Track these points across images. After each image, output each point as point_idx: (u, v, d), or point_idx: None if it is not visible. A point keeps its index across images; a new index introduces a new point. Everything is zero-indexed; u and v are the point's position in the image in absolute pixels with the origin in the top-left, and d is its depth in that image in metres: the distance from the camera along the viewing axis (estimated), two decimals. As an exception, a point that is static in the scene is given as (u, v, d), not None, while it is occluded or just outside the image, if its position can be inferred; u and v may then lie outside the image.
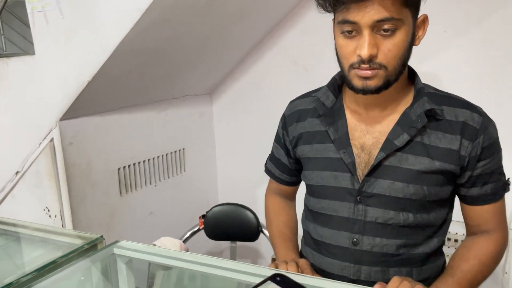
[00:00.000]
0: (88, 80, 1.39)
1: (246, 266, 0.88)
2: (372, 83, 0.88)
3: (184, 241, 1.77)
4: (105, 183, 1.65)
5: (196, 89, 2.02)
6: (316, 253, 1.06)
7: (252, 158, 1.95)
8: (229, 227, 1.73)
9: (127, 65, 1.46)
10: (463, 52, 1.62)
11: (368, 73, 0.87)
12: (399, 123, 0.95)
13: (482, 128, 0.93)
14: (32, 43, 1.44)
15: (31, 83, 1.49)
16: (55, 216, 1.57)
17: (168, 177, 1.93)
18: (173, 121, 1.93)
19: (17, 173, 1.62)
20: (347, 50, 0.88)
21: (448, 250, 1.72)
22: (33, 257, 1.10)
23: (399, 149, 0.93)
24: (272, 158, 1.20)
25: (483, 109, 0.97)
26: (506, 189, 0.99)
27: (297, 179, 1.17)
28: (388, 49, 0.86)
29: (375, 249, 0.97)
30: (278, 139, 1.16)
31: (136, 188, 1.78)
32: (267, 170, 1.22)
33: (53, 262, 0.94)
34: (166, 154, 1.91)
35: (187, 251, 1.57)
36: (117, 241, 1.04)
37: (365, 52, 0.84)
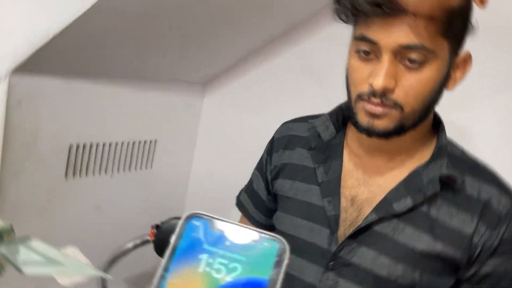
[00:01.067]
0: (56, 32, 1.09)
1: None
2: (380, 124, 0.71)
3: (128, 250, 1.47)
4: (50, 159, 1.35)
5: (187, 75, 1.73)
6: None
7: (236, 169, 1.66)
8: (185, 247, 1.43)
9: (105, 25, 1.16)
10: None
11: (378, 109, 0.70)
12: (405, 182, 0.77)
13: (507, 216, 0.74)
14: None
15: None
16: (-23, 186, 1.25)
17: (129, 170, 1.63)
18: (150, 106, 1.63)
19: None
20: (359, 75, 0.72)
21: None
22: None
23: (397, 215, 0.76)
24: (248, 189, 0.99)
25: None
26: None
27: (273, 224, 0.95)
28: (410, 85, 0.69)
29: None
30: (260, 166, 0.96)
31: (86, 174, 1.47)
32: (239, 204, 1.01)
33: None
34: (134, 143, 1.61)
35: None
36: (27, 238, 0.74)
37: (379, 82, 0.68)
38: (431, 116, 0.78)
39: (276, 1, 1.41)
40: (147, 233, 1.51)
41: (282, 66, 1.72)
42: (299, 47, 1.67)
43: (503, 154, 1.35)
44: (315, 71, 1.65)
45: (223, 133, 1.86)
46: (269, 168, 0.92)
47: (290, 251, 0.34)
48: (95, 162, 1.48)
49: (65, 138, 1.37)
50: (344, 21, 0.72)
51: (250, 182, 1.00)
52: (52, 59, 1.21)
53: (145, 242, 1.49)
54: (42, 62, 1.19)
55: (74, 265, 0.66)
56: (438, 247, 0.74)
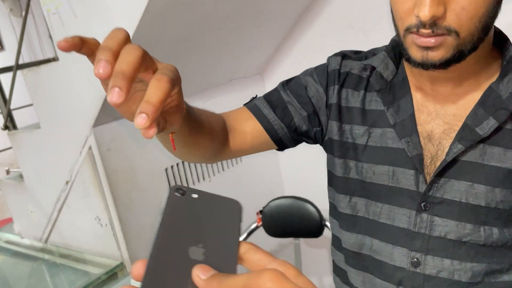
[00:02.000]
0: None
1: None
2: (435, 55, 0.63)
3: (244, 239, 1.64)
4: (153, 186, 1.56)
5: (243, 71, 1.84)
6: (356, 271, 0.82)
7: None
8: (290, 223, 1.55)
9: (158, 57, 1.31)
10: None
11: (431, 41, 0.62)
12: (482, 103, 0.69)
13: None
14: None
15: (61, 90, 1.42)
16: (106, 225, 1.51)
17: (223, 170, 1.79)
18: (222, 109, 1.76)
19: (67, 182, 1.58)
20: (403, 7, 0.64)
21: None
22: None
23: (482, 140, 0.69)
24: (269, 96, 0.86)
25: None
26: None
27: (284, 137, 0.84)
28: (462, 6, 0.60)
29: (442, 274, 0.73)
30: (299, 85, 0.84)
31: (188, 186, 1.66)
32: (251, 104, 0.87)
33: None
34: (218, 146, 1.76)
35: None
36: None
37: (425, 13, 0.59)
38: (492, 32, 0.70)
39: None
40: (254, 220, 1.66)
41: (328, 30, 1.72)
42: (335, 5, 1.67)
43: None
44: (356, 23, 1.64)
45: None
46: (321, 101, 0.82)
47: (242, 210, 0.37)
48: (192, 174, 1.67)
49: (159, 165, 1.57)
50: None
51: (276, 91, 0.86)
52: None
53: (254, 229, 1.64)
54: (113, 110, 1.38)
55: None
56: None
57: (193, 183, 1.68)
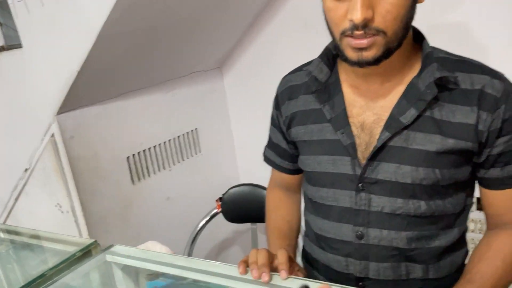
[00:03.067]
0: (77, 70, 1.30)
1: (235, 270, 0.80)
2: (369, 54, 0.74)
3: (203, 226, 1.71)
4: (115, 174, 1.59)
5: (203, 64, 1.90)
6: (317, 247, 0.96)
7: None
8: (248, 209, 1.64)
9: (117, 48, 1.35)
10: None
11: (363, 42, 0.72)
12: (405, 95, 0.80)
13: (503, 96, 0.77)
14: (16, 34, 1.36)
15: (24, 77, 1.42)
16: (67, 212, 1.53)
17: (183, 160, 1.85)
18: (182, 101, 1.83)
19: (26, 170, 1.58)
20: (337, 14, 0.74)
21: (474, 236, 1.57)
22: (23, 268, 1.05)
23: (406, 127, 0.80)
24: (270, 144, 1.08)
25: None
26: None
27: (299, 167, 1.03)
28: (387, 10, 0.71)
29: (383, 242, 0.84)
30: (273, 121, 1.03)
31: (149, 175, 1.71)
32: (266, 159, 1.10)
33: (42, 275, 0.89)
34: (178, 136, 1.82)
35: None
36: (110, 246, 0.97)
37: (357, 16, 0.69)
38: (411, 31, 0.80)
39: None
40: (214, 207, 1.74)
41: (284, 28, 1.82)
42: (297, 3, 1.76)
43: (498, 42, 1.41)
44: (310, 21, 1.75)
45: (250, 104, 2.02)
46: (282, 120, 0.98)
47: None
48: (152, 163, 1.72)
49: (121, 153, 1.60)
50: None
51: (270, 138, 1.07)
52: (84, 92, 1.42)
53: (214, 215, 1.72)
54: (77, 98, 1.41)
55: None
56: (449, 143, 0.78)
57: (154, 172, 1.73)
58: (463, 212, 0.86)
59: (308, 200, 0.97)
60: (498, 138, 0.79)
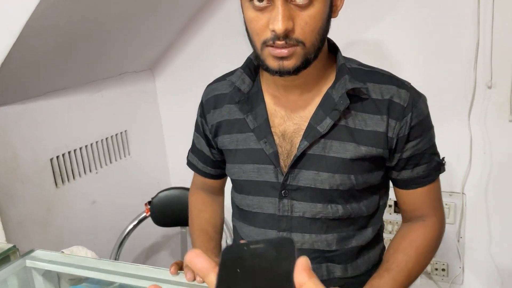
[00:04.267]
0: (2, 59, 1.23)
1: (166, 273, 0.80)
2: (289, 64, 0.76)
3: (131, 230, 1.67)
4: (37, 176, 1.52)
5: (134, 66, 1.87)
6: None
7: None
8: (177, 212, 1.63)
9: (42, 45, 1.30)
10: (411, 12, 1.53)
11: (284, 52, 0.75)
12: (321, 106, 0.84)
13: (409, 105, 0.83)
14: None
15: None
16: (-17, 216, 1.43)
17: (111, 162, 1.80)
18: (111, 102, 1.78)
19: None
20: (258, 24, 0.75)
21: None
22: None
23: (323, 136, 0.84)
24: (193, 149, 1.09)
25: (416, 83, 0.88)
26: (440, 169, 0.91)
27: (222, 172, 1.06)
28: (305, 22, 0.74)
29: (305, 246, 0.89)
30: (197, 128, 1.05)
31: (74, 178, 1.65)
32: (189, 163, 1.11)
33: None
34: (106, 138, 1.77)
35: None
36: (31, 251, 0.93)
37: (279, 26, 0.72)
38: (326, 44, 0.84)
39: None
40: (143, 211, 1.71)
41: (217, 33, 1.84)
42: (225, 10, 1.79)
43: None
44: (243, 29, 1.78)
45: (182, 106, 2.01)
46: (207, 128, 0.99)
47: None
48: (78, 165, 1.66)
49: (44, 154, 1.53)
50: None
51: (193, 143, 1.08)
52: (5, 90, 1.35)
53: (142, 220, 1.69)
54: (-1, 94, 1.34)
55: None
56: (362, 150, 0.83)
57: (79, 175, 1.67)
58: (377, 212, 0.93)
59: (236, 207, 1.00)
60: (407, 144, 0.85)
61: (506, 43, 1.42)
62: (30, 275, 0.91)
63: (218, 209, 1.12)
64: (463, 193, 1.61)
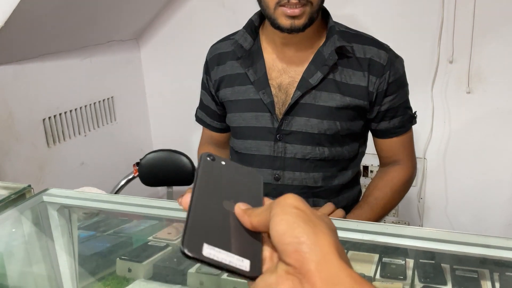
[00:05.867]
0: (1, 26, 1.30)
1: (174, 204, 0.90)
2: (300, 22, 0.88)
3: (119, 189, 1.77)
4: (31, 135, 1.59)
5: (121, 34, 1.95)
6: None
7: (184, 103, 1.94)
8: (164, 173, 1.74)
9: (41, 8, 1.37)
10: (384, -8, 1.67)
11: (296, 11, 0.87)
12: (313, 61, 0.97)
13: (388, 65, 0.97)
14: None
15: None
16: (-22, 171, 1.50)
17: (98, 127, 1.88)
18: (99, 69, 1.86)
19: None
20: None
21: (364, 181, 1.85)
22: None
23: (313, 87, 0.97)
24: (201, 106, 1.19)
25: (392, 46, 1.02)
26: (412, 122, 1.06)
27: (227, 126, 1.17)
28: None
29: (295, 182, 1.03)
30: (203, 85, 1.15)
31: (64, 139, 1.73)
32: (198, 119, 1.21)
33: (-22, 214, 0.92)
34: (94, 103, 1.85)
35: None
36: (46, 189, 1.02)
37: None
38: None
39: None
40: (131, 171, 1.80)
41: (203, 5, 1.93)
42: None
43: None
44: (228, 2, 1.89)
45: (165, 76, 2.10)
46: (211, 84, 1.09)
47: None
48: (68, 127, 1.73)
49: (37, 114, 1.60)
50: None
51: (201, 100, 1.18)
52: (4, 50, 1.41)
53: (131, 179, 1.79)
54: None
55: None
56: (347, 100, 0.96)
57: (69, 137, 1.74)
58: (356, 157, 1.08)
59: (235, 153, 1.11)
60: (385, 98, 0.98)
61: (467, 22, 1.59)
62: (45, 211, 1.01)
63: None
64: (424, 158, 1.79)
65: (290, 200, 0.34)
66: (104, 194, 0.97)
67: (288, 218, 0.33)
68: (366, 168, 1.87)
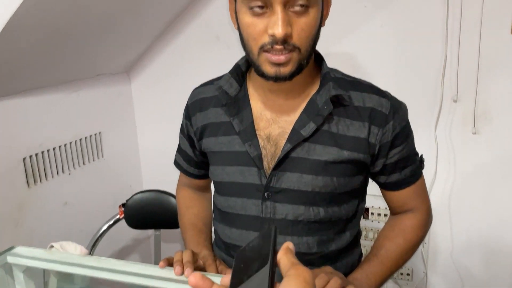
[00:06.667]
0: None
1: (153, 269, 0.81)
2: (286, 70, 0.79)
3: (103, 233, 1.66)
4: (9, 175, 1.49)
5: (111, 68, 1.87)
6: (226, 256, 1.00)
7: (176, 138, 1.85)
8: (152, 215, 1.64)
9: (21, 44, 1.29)
10: (384, 27, 1.60)
11: (282, 58, 0.77)
12: (305, 111, 0.88)
13: (391, 113, 0.88)
14: None
15: None
16: (-50, 215, 1.39)
17: (84, 164, 1.78)
18: (86, 103, 1.77)
19: None
20: (256, 30, 0.78)
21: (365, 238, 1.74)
22: None
23: (306, 139, 0.87)
24: (179, 149, 1.11)
25: (396, 92, 0.94)
26: (422, 167, 0.97)
27: (205, 172, 1.09)
28: (302, 28, 0.77)
29: None
30: (182, 130, 1.07)
31: (46, 178, 1.62)
32: (176, 163, 1.14)
33: None
34: (80, 139, 1.76)
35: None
36: (11, 248, 0.92)
37: (279, 31, 0.74)
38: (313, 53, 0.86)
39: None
40: (116, 213, 1.70)
41: (196, 39, 1.87)
42: (205, 16, 1.82)
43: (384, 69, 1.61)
44: (222, 36, 1.82)
45: (156, 110, 2.02)
46: (192, 131, 1.00)
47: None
48: (51, 165, 1.63)
49: (17, 153, 1.50)
50: None
51: (179, 144, 1.10)
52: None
53: (116, 222, 1.68)
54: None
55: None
56: (344, 154, 0.86)
57: (52, 175, 1.64)
58: (355, 217, 0.97)
59: (217, 210, 1.01)
60: (392, 149, 0.89)
61: (471, 60, 1.52)
62: (10, 273, 0.90)
63: (206, 204, 1.14)
64: (428, 201, 1.69)
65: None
66: (75, 255, 0.87)
67: None
68: (366, 209, 1.77)
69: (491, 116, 1.54)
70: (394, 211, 1.01)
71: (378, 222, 1.77)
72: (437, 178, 1.66)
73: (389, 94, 0.92)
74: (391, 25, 1.59)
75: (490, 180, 1.59)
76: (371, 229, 1.79)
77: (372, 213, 1.77)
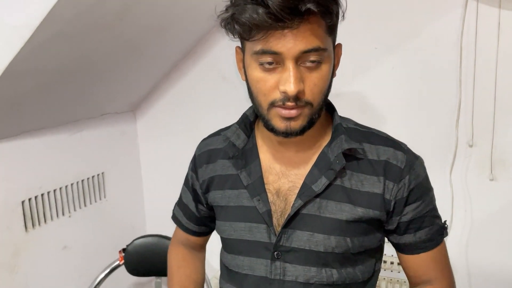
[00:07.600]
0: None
1: None
2: (296, 124, 0.75)
3: (102, 279, 1.59)
4: (6, 219, 1.44)
5: (116, 107, 1.84)
6: None
7: (182, 179, 1.79)
8: (153, 261, 1.57)
9: (22, 87, 1.26)
10: (396, 69, 1.56)
11: (293, 113, 0.74)
12: (316, 165, 0.83)
13: (407, 167, 0.82)
14: None
15: None
16: None
17: (85, 206, 1.73)
18: (89, 142, 1.74)
19: None
20: (266, 85, 0.74)
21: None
22: None
23: (318, 195, 0.81)
24: (179, 203, 1.06)
25: (410, 145, 0.87)
26: (443, 234, 0.88)
27: (206, 229, 1.03)
28: (314, 83, 0.74)
29: None
30: (186, 182, 1.02)
31: (45, 221, 1.57)
32: (174, 217, 1.08)
33: None
34: (82, 180, 1.71)
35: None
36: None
37: (291, 88, 0.71)
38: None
39: (173, 24, 1.53)
40: (116, 258, 1.63)
41: (202, 79, 1.84)
42: (211, 57, 1.80)
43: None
44: (229, 76, 1.79)
45: (162, 150, 1.97)
46: (198, 184, 0.96)
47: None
48: (50, 208, 1.58)
49: (15, 196, 1.46)
50: (241, 38, 0.75)
51: (180, 197, 1.05)
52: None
53: (115, 268, 1.61)
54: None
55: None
56: (359, 212, 0.80)
57: (51, 218, 1.59)
58: (371, 278, 0.89)
59: (224, 268, 0.95)
60: (406, 206, 0.83)
61: (486, 104, 1.45)
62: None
63: (199, 265, 1.07)
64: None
65: None
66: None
67: None
68: (378, 257, 1.68)
69: (510, 162, 1.47)
70: (412, 281, 0.92)
71: (391, 271, 1.68)
72: (453, 225, 1.57)
73: (406, 146, 0.86)
74: (403, 68, 1.54)
75: (509, 229, 1.50)
76: (384, 278, 1.69)
77: (385, 261, 1.68)
